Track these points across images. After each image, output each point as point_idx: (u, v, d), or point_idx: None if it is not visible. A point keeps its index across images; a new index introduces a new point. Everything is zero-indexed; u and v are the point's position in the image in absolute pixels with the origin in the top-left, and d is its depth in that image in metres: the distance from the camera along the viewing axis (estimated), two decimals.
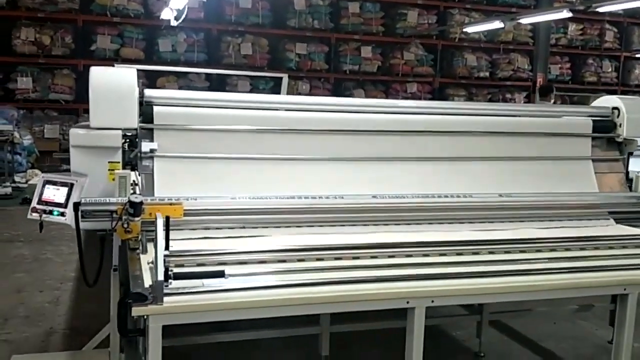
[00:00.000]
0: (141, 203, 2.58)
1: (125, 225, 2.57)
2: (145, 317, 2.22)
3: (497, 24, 10.92)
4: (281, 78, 8.22)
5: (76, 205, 2.67)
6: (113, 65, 6.63)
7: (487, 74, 14.11)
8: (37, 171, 10.04)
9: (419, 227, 3.28)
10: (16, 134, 9.88)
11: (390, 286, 2.50)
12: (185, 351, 3.88)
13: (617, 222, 3.65)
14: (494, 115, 3.85)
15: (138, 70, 3.23)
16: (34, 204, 2.84)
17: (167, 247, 2.36)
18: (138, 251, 2.63)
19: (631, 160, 4.01)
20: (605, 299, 3.96)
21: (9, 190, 9.08)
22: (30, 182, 9.59)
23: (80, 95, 11.18)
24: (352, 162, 3.43)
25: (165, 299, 2.19)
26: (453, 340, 4.39)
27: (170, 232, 2.45)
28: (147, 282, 2.32)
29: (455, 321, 4.37)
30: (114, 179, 2.84)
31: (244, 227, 3.03)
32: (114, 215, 2.63)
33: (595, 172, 3.86)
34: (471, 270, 2.67)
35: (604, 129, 3.97)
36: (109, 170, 2.99)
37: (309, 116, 3.48)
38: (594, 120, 3.95)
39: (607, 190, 3.85)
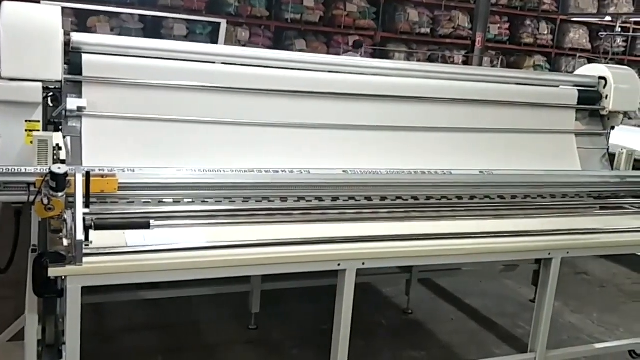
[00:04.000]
0: (66, 175, 2.10)
1: (46, 202, 2.09)
2: (63, 277, 2.11)
3: None
4: (219, 23, 7.93)
5: None
6: (39, 1, 6.16)
7: (428, 30, 14.10)
8: None
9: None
10: None
11: (321, 248, 2.47)
12: (110, 308, 3.79)
13: (597, 199, 3.46)
14: (473, 81, 3.54)
15: (66, 8, 2.76)
16: None
17: (87, 205, 2.23)
18: (61, 234, 2.17)
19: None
20: (530, 259, 4.10)
21: None
22: None
23: None
24: (318, 130, 3.07)
25: (85, 259, 2.07)
26: (383, 296, 4.47)
27: (101, 206, 2.30)
28: (66, 240, 2.19)
29: (385, 279, 4.43)
30: (32, 142, 2.38)
31: (192, 202, 2.60)
32: (32, 187, 2.18)
33: (578, 148, 3.66)
34: (402, 233, 2.66)
35: (589, 101, 3.73)
36: (26, 131, 2.54)
37: (269, 73, 3.04)
38: (578, 91, 3.72)
39: (589, 167, 3.66)
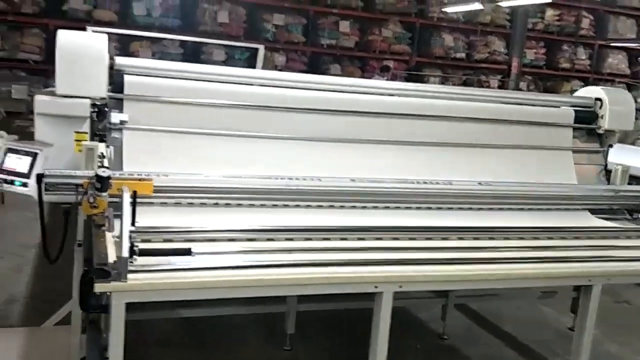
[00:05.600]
0: (109, 177, 2.43)
1: (91, 200, 2.41)
2: (108, 293, 2.18)
3: (476, 5, 10.90)
4: (257, 49, 8.08)
5: (39, 177, 2.56)
6: (85, 27, 6.44)
7: (464, 55, 14.11)
8: (3, 132, 9.73)
9: (396, 212, 3.22)
10: None
11: (358, 270, 2.49)
12: (147, 324, 3.85)
13: (592, 214, 3.66)
14: (476, 101, 3.77)
15: (111, 33, 3.07)
16: None
17: (133, 223, 2.31)
18: (104, 228, 2.48)
19: (610, 151, 3.99)
20: (569, 286, 4.03)
21: None
22: None
23: (51, 56, 10.83)
24: (331, 143, 3.33)
25: (130, 275, 2.15)
26: (418, 322, 4.43)
27: (139, 207, 2.39)
28: (112, 257, 2.26)
29: (421, 303, 4.40)
30: (80, 151, 2.71)
31: (217, 204, 2.93)
32: (80, 189, 2.49)
33: (575, 163, 3.84)
34: (440, 257, 2.67)
35: (586, 120, 3.95)
36: (75, 140, 2.87)
37: (287, 93, 3.36)
38: (575, 111, 3.92)
39: (586, 182, 3.84)
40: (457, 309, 4.36)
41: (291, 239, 2.70)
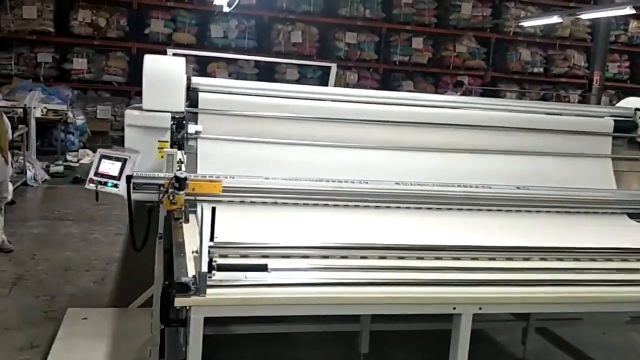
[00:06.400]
0: (185, 179, 2.80)
1: (171, 198, 2.78)
2: (187, 307, 2.22)
3: (555, 19, 10.58)
4: (329, 67, 8.17)
5: (128, 178, 2.93)
6: (165, 50, 6.75)
7: (542, 69, 13.73)
8: (88, 151, 10.27)
9: (438, 212, 3.39)
10: (70, 114, 10.13)
11: (436, 290, 2.43)
12: (222, 340, 3.90)
13: (631, 218, 3.68)
14: (519, 112, 3.94)
15: (190, 55, 3.45)
16: (90, 175, 3.20)
17: (212, 239, 2.35)
18: (181, 221, 2.83)
19: None
20: None
21: (60, 168, 9.29)
22: (81, 162, 9.83)
23: (133, 77, 11.37)
24: (381, 151, 3.58)
25: (208, 290, 2.17)
26: (497, 345, 4.28)
27: (209, 204, 2.48)
28: (191, 272, 2.31)
29: (500, 326, 4.25)
30: (162, 156, 3.14)
31: (275, 203, 3.21)
32: (161, 188, 2.86)
33: (615, 171, 3.92)
34: (522, 278, 2.57)
35: (625, 129, 4.03)
36: (158, 148, 3.31)
37: (341, 106, 3.67)
38: (615, 121, 4.00)
39: (626, 188, 3.91)
40: (538, 333, 4.19)
41: (365, 257, 2.67)
